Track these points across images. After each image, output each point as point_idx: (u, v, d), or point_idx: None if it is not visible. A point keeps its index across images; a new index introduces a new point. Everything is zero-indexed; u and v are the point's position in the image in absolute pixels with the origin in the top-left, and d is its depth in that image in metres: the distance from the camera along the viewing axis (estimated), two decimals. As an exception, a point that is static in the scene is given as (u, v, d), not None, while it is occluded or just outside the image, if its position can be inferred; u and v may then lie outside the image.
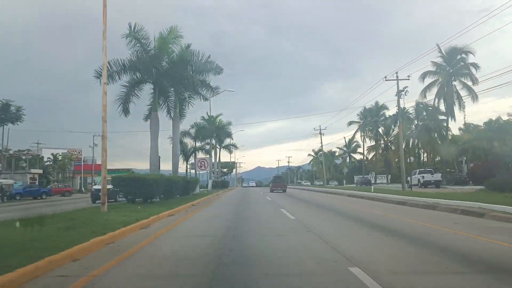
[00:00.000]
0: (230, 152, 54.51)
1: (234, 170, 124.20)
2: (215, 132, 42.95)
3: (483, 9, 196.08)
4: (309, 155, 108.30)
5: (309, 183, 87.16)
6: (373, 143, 68.17)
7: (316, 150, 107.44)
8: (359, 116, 68.31)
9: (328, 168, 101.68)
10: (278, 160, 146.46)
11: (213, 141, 46.57)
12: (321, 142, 61.07)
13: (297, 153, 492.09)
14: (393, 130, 61.42)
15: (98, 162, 75.78)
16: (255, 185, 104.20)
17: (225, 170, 61.32)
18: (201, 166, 31.99)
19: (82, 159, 75.67)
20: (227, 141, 50.93)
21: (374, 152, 67.45)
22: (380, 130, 65.51)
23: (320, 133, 61.03)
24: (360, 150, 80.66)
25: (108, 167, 13.67)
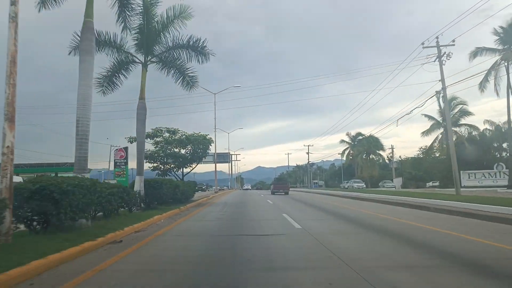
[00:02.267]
0: (189, 86, 17.15)
1: (229, 166, 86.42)
2: None
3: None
4: (342, 141, 70.36)
5: (362, 185, 47.81)
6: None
7: (353, 134, 69.68)
8: (497, 41, 30.44)
9: (366, 161, 63.78)
10: (288, 154, 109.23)
11: None
12: (441, 74, 22.66)
13: (299, 153, 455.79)
14: None
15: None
16: (250, 187, 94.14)
17: (186, 151, 22.45)
18: None
19: None
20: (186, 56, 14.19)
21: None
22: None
23: (440, 56, 22.88)
24: (469, 119, 42.20)
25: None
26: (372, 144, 62.48)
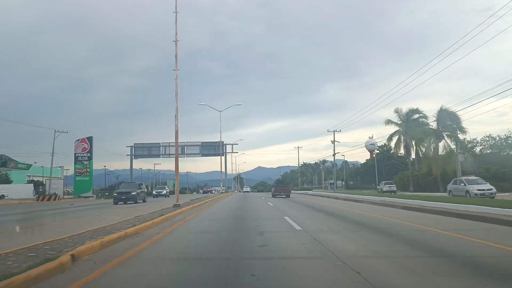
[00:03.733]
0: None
1: (221, 160, 63.08)
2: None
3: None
4: (389, 122, 47.44)
5: (490, 188, 24.19)
6: None
7: (405, 111, 46.75)
8: None
9: (436, 150, 40.82)
10: (298, 147, 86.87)
11: None
12: None
13: (301, 153, 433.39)
14: None
15: None
16: (249, 190, 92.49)
17: None
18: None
19: None
20: None
21: None
22: None
23: None
24: None
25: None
26: (447, 123, 39.21)
